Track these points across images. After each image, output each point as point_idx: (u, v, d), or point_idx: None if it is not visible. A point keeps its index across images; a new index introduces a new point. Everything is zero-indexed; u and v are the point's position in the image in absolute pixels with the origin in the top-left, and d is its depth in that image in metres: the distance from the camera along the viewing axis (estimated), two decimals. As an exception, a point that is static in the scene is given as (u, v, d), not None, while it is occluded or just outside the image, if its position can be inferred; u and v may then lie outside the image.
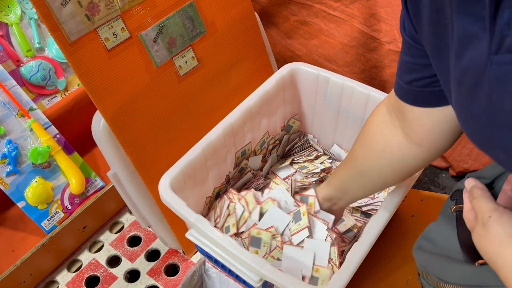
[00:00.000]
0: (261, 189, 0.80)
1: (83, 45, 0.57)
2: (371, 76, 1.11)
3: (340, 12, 1.07)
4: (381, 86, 1.08)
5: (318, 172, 0.79)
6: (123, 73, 0.61)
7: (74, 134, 0.84)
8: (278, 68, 0.80)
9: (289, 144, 0.87)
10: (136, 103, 0.64)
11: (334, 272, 0.62)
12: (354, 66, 1.13)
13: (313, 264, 0.62)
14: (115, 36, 0.60)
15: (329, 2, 1.07)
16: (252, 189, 0.73)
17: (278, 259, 0.64)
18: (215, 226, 0.62)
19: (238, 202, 0.69)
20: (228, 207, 0.69)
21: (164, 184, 0.61)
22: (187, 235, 0.60)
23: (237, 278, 0.62)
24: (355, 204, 0.76)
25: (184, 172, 0.64)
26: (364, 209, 0.76)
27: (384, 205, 0.59)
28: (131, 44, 0.62)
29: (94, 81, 0.58)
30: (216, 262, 0.62)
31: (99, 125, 0.62)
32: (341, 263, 0.64)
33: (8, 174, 0.74)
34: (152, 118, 0.66)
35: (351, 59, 1.12)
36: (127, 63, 0.62)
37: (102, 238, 0.83)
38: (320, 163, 0.82)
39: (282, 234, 0.66)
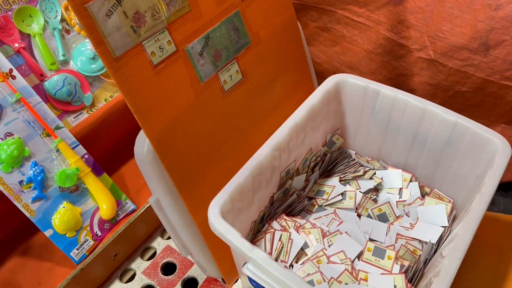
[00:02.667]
0: (306, 210, 0.74)
1: (128, 60, 0.51)
2: (397, 85, 1.07)
3: (365, 18, 1.03)
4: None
5: (371, 188, 0.74)
6: (169, 90, 0.56)
7: (101, 152, 0.78)
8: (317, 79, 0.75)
9: (331, 161, 0.82)
10: (181, 123, 0.58)
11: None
12: (379, 74, 1.09)
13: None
14: (161, 50, 0.54)
15: (353, 8, 1.02)
16: (318, 227, 0.68)
17: (346, 284, 0.58)
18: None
19: (295, 231, 0.63)
20: (280, 238, 0.63)
21: (214, 212, 0.56)
22: (244, 270, 0.54)
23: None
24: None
25: (232, 197, 0.59)
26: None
27: (464, 228, 0.54)
28: (177, 58, 0.56)
29: (140, 99, 0.53)
30: (272, 297, 0.57)
31: (143, 147, 0.56)
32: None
33: (34, 199, 0.68)
34: (196, 139, 0.60)
35: (375, 67, 1.08)
36: (173, 79, 0.56)
37: (133, 265, 0.77)
38: (370, 179, 0.76)
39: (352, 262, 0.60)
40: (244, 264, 0.55)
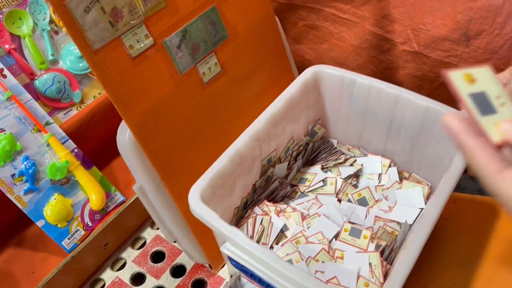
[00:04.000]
0: (289, 196, 0.77)
1: (107, 53, 0.54)
2: (384, 78, 1.09)
3: (351, 14, 1.05)
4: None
5: (351, 175, 0.77)
6: (148, 81, 0.59)
7: (91, 147, 0.81)
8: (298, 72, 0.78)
9: (314, 151, 0.84)
10: (161, 113, 0.61)
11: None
12: (367, 68, 1.11)
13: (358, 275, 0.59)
14: (139, 43, 0.57)
15: (339, 5, 1.05)
16: (298, 211, 0.70)
17: (323, 262, 0.61)
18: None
19: (275, 215, 0.66)
20: (261, 222, 0.66)
21: (194, 196, 0.59)
22: (222, 248, 0.57)
23: (275, 292, 0.59)
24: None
25: (212, 183, 0.61)
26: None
27: (431, 204, 0.56)
28: (155, 51, 0.59)
29: (120, 90, 0.56)
30: (252, 276, 0.59)
31: (124, 137, 0.59)
32: (384, 274, 0.61)
33: (26, 192, 0.71)
34: (177, 128, 0.63)
35: (363, 62, 1.10)
36: (152, 71, 0.59)
37: (124, 255, 0.80)
38: (350, 165, 0.79)
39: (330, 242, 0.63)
40: (222, 244, 0.58)
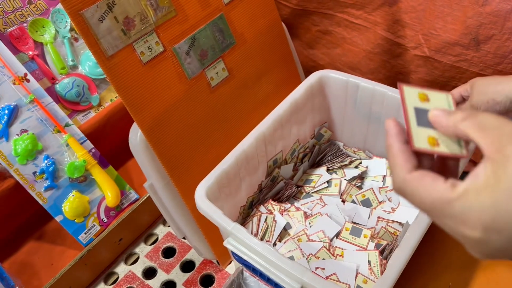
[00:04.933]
0: (294, 196, 0.80)
1: (120, 59, 0.58)
2: (396, 82, 1.10)
3: (363, 20, 1.07)
4: (408, 91, 1.07)
5: (355, 176, 0.79)
6: (158, 85, 0.63)
7: (108, 148, 0.86)
8: (306, 77, 0.81)
9: (320, 153, 0.87)
10: (170, 115, 0.65)
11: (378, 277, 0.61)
12: (379, 73, 1.12)
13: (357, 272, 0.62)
14: (150, 50, 0.61)
15: (351, 10, 1.07)
16: (302, 210, 0.73)
17: (323, 259, 0.64)
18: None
19: (279, 214, 0.69)
20: (266, 220, 0.69)
21: (200, 193, 0.62)
22: (225, 243, 0.61)
23: (276, 286, 0.62)
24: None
25: (218, 181, 0.65)
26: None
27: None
28: (165, 57, 0.63)
29: (131, 94, 0.60)
30: (254, 270, 0.62)
31: (136, 137, 0.63)
32: (383, 271, 0.63)
33: (46, 188, 0.76)
34: (186, 129, 0.67)
35: (375, 66, 1.12)
36: (162, 75, 0.63)
37: (137, 250, 0.84)
38: (355, 167, 0.81)
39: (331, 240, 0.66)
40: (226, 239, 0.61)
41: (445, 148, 0.30)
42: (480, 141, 0.26)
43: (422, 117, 0.31)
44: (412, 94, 0.32)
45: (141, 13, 0.60)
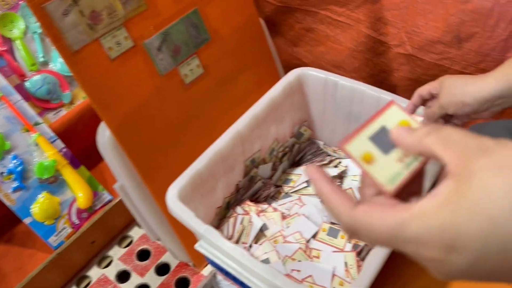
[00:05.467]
0: (273, 197, 0.78)
1: (86, 54, 0.56)
2: (380, 81, 1.09)
3: (346, 17, 1.06)
4: (391, 90, 1.06)
5: (335, 176, 0.78)
6: (127, 82, 0.60)
7: (80, 147, 0.83)
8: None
9: (300, 152, 0.85)
10: (141, 113, 0.62)
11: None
12: (363, 71, 1.11)
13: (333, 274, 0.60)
14: (118, 45, 0.59)
15: (334, 8, 1.05)
16: (279, 211, 0.71)
17: (299, 261, 0.62)
18: (229, 239, 0.60)
19: (255, 215, 0.68)
20: (242, 222, 0.67)
21: (172, 195, 0.60)
22: (196, 246, 0.59)
23: (249, 290, 0.60)
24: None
25: (192, 182, 0.62)
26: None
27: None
28: (135, 53, 0.61)
29: (98, 91, 0.57)
30: (227, 274, 0.60)
31: (104, 136, 0.61)
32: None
33: (15, 189, 0.73)
34: (158, 128, 0.65)
35: (359, 64, 1.11)
36: (132, 72, 0.61)
37: (111, 253, 0.82)
38: (335, 167, 0.80)
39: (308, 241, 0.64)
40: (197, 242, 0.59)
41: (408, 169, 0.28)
42: (445, 156, 0.25)
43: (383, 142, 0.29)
44: (356, 151, 0.30)
45: (109, 6, 0.57)
